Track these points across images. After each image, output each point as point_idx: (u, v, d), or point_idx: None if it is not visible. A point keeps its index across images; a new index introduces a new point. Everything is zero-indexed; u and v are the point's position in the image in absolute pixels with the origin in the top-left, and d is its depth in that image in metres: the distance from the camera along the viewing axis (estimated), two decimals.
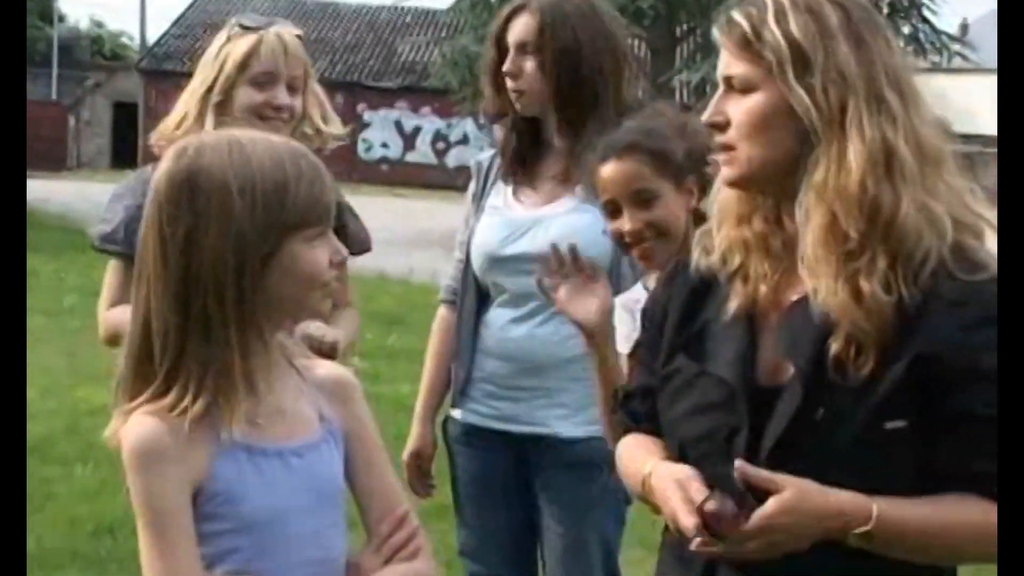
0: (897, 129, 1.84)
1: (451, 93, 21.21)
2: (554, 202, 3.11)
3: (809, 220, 1.84)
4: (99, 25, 50.64)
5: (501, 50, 3.12)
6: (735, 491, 1.75)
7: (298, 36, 3.04)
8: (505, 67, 3.09)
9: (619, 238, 2.56)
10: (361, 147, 34.47)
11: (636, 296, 2.62)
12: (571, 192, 3.08)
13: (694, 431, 1.94)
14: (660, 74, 19.71)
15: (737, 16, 1.92)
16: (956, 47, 21.49)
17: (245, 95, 2.93)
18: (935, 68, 20.48)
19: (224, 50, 2.96)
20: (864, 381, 1.78)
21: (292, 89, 2.97)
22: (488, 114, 3.28)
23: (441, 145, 35.56)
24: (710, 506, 1.76)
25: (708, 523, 1.76)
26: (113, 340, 2.88)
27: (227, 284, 1.81)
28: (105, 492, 5.74)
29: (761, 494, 1.74)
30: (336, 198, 2.97)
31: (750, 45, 1.89)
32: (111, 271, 3.01)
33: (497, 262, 3.13)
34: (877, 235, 1.80)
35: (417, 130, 35.57)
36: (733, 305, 1.94)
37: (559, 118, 3.09)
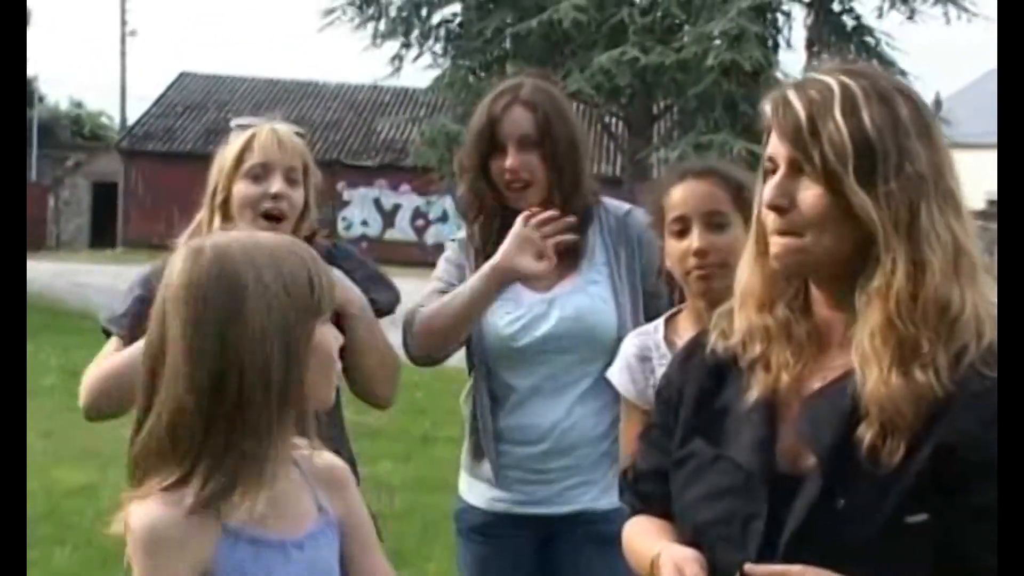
0: (964, 224, 1.75)
1: (430, 171, 21.30)
2: (560, 283, 3.11)
3: (867, 320, 1.75)
4: (79, 105, 50.53)
5: (493, 145, 3.10)
6: None
7: (299, 134, 3.05)
8: (509, 163, 3.07)
9: (681, 259, 2.59)
10: (341, 225, 34.49)
11: (654, 342, 2.66)
12: (567, 272, 3.10)
13: (709, 516, 1.87)
14: (637, 151, 19.84)
15: (795, 100, 1.76)
16: None
17: (241, 189, 2.94)
18: None
19: (223, 151, 3.00)
20: (888, 472, 1.71)
21: (291, 181, 2.96)
22: (467, 206, 3.22)
23: (420, 222, 35.65)
24: None
25: None
26: (97, 403, 2.86)
27: (272, 371, 1.84)
28: (83, 575, 5.69)
29: None
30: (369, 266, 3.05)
31: (802, 136, 1.74)
32: (110, 345, 2.96)
33: (518, 351, 3.10)
34: (943, 333, 1.72)
35: (396, 208, 35.66)
36: (754, 394, 1.86)
37: (551, 207, 3.06)
